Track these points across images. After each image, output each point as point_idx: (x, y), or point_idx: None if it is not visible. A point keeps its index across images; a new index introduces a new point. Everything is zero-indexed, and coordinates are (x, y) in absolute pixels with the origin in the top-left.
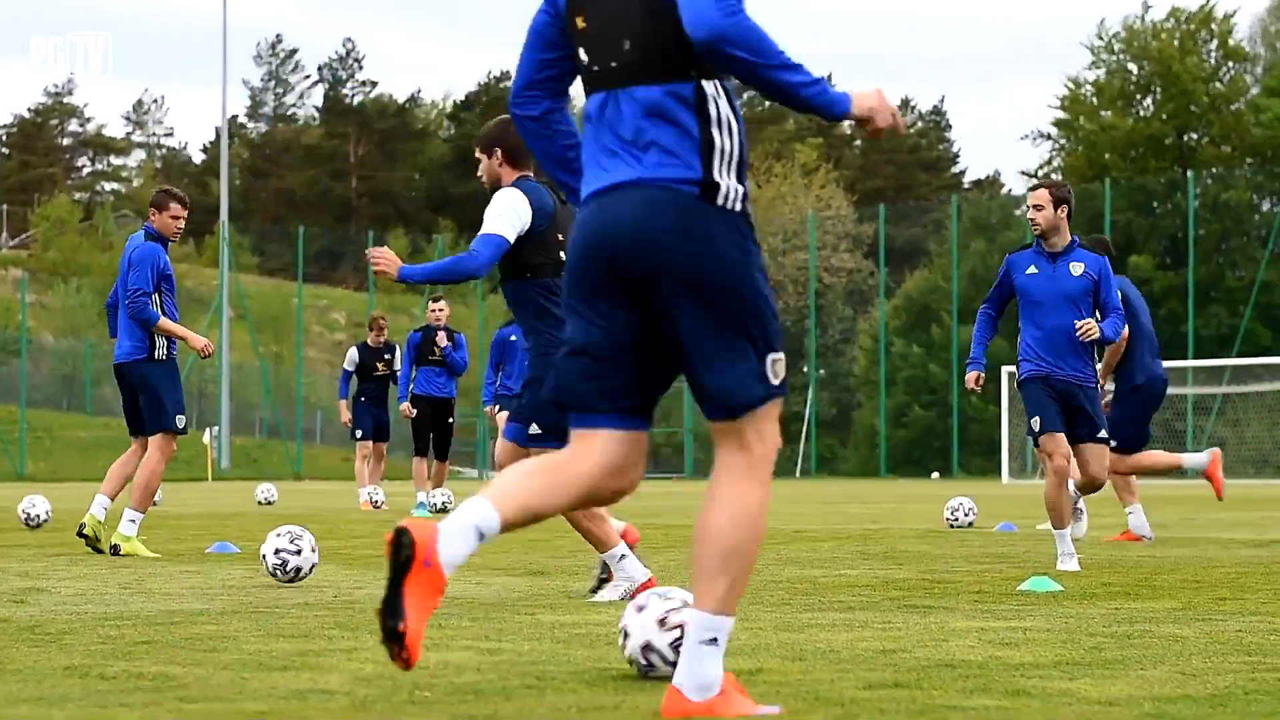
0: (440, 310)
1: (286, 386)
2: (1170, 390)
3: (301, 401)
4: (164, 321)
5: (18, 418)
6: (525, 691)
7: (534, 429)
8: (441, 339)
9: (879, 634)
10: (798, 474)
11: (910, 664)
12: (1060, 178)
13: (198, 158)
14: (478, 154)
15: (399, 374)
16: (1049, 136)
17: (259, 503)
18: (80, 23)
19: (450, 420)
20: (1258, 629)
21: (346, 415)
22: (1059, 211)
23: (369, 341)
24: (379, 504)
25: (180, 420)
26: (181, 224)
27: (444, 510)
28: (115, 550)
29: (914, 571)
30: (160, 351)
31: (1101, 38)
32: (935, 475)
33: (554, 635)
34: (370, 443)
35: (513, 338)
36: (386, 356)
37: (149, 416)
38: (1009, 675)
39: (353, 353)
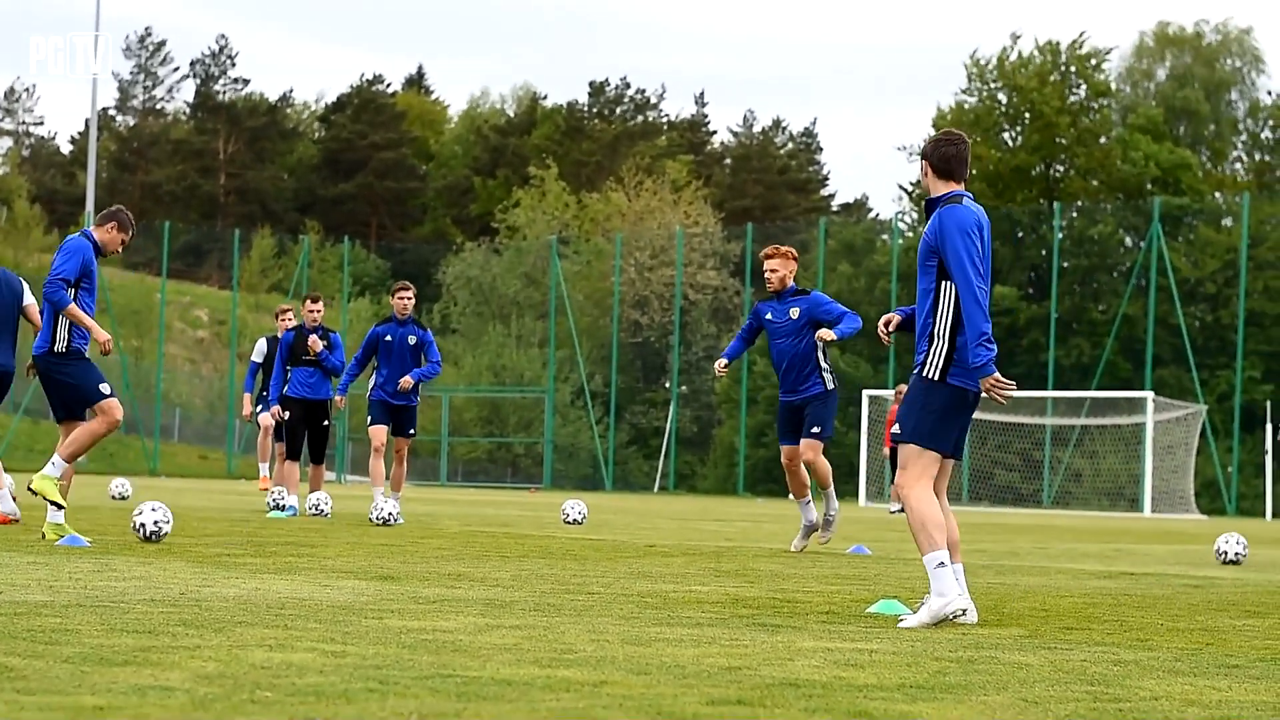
0: (317, 311)
1: (146, 382)
2: (1029, 420)
3: (161, 398)
4: (73, 308)
5: None
6: (367, 695)
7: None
8: (316, 343)
9: (726, 650)
10: (655, 489)
11: (755, 681)
12: None
13: (66, 148)
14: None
15: (274, 372)
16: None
17: (113, 498)
18: None
19: (325, 423)
20: (1102, 659)
21: (249, 409)
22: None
23: (277, 333)
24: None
25: (105, 387)
26: (121, 250)
27: (319, 514)
28: (29, 487)
29: (765, 590)
30: (61, 345)
31: (977, 66)
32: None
33: (400, 640)
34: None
35: (388, 338)
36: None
37: (72, 405)
38: (852, 696)
39: (261, 344)
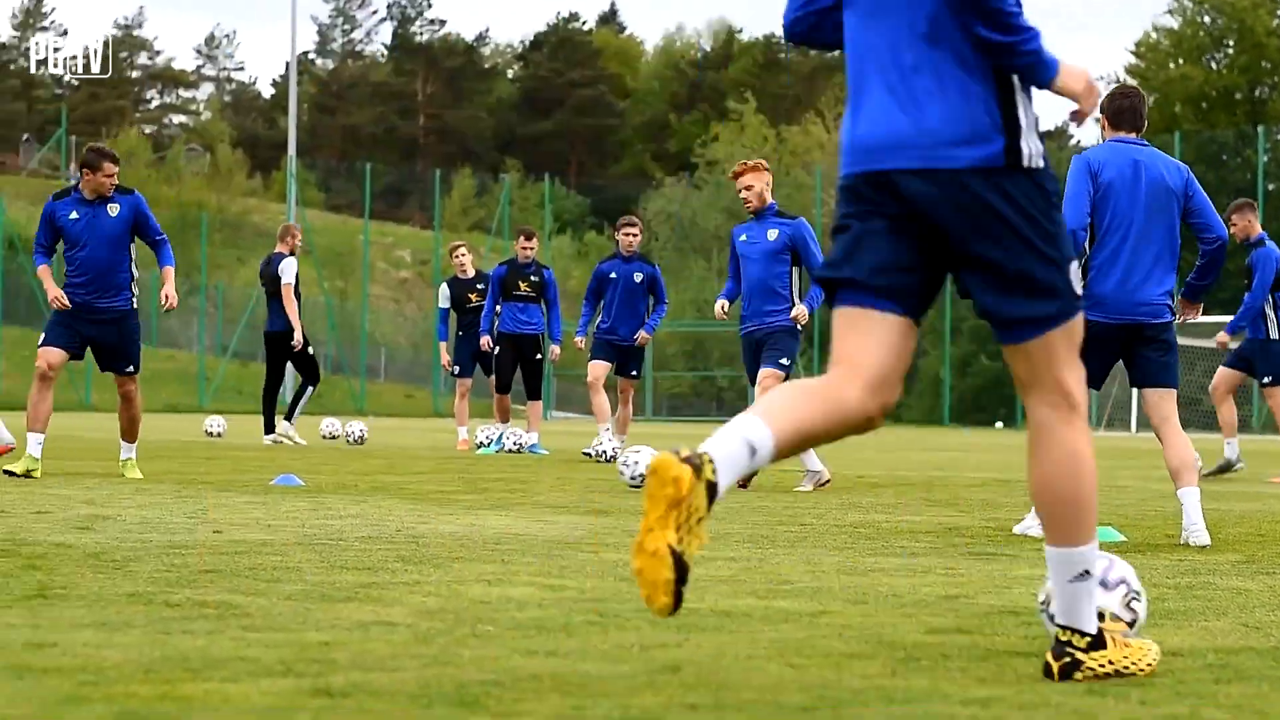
0: (530, 248)
1: (351, 323)
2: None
3: (366, 338)
4: (38, 271)
5: None
6: (588, 628)
7: None
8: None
9: (942, 579)
10: None
11: (973, 610)
12: None
13: (267, 92)
14: None
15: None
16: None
17: (323, 437)
18: None
19: (539, 357)
20: None
21: (446, 357)
22: None
23: (457, 274)
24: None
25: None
26: (113, 180)
27: (518, 451)
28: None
29: (977, 519)
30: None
31: None
32: (999, 424)
33: (617, 573)
34: (470, 380)
35: (613, 274)
36: (480, 287)
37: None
38: None
39: (444, 289)
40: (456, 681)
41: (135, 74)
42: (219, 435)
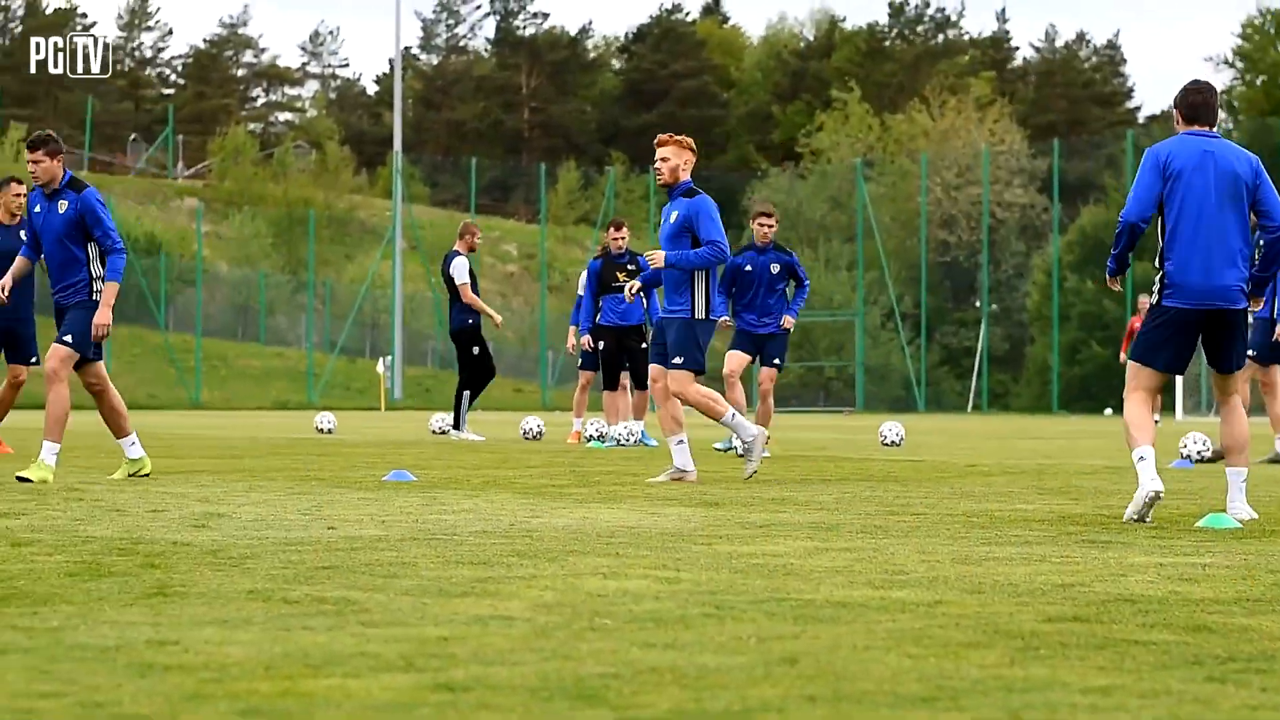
0: (622, 238)
1: None
2: None
3: None
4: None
5: (193, 346)
6: (704, 620)
7: None
8: (632, 287)
9: (1057, 568)
10: (969, 409)
11: (1089, 598)
12: (1236, 108)
13: (371, 89)
14: None
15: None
16: (1231, 64)
17: (432, 432)
18: None
19: (643, 346)
20: None
21: (573, 340)
22: None
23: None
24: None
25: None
26: (39, 168)
27: (643, 444)
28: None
29: (1090, 507)
30: None
31: None
32: (1108, 412)
33: (731, 565)
34: (593, 373)
35: (748, 267)
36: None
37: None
38: (1189, 610)
39: (583, 277)
40: (575, 675)
41: (240, 72)
42: (329, 431)
